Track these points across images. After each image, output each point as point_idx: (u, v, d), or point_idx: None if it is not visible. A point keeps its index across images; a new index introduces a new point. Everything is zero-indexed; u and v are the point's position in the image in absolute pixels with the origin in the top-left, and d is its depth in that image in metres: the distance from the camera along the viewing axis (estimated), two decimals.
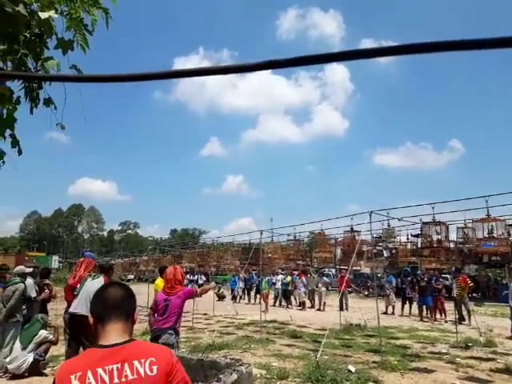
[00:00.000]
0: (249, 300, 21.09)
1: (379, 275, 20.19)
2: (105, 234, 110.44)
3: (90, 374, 1.40)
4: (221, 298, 21.76)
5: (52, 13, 2.04)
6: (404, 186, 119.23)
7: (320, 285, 17.38)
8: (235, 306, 17.45)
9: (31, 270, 7.54)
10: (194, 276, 23.44)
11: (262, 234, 12.74)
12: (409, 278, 15.82)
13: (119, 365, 1.43)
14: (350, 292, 19.30)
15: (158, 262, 25.72)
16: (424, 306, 14.09)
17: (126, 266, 35.49)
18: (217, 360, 3.79)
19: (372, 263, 14.77)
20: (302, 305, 17.56)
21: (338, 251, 18.95)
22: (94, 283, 5.57)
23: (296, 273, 20.92)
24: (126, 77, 0.80)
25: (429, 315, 14.00)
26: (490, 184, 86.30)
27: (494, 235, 11.06)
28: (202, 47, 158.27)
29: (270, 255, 20.10)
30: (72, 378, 1.38)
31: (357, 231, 15.01)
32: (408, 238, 17.71)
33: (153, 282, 11.19)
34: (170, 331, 4.42)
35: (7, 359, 6.29)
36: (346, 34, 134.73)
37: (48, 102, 2.38)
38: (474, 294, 20.75)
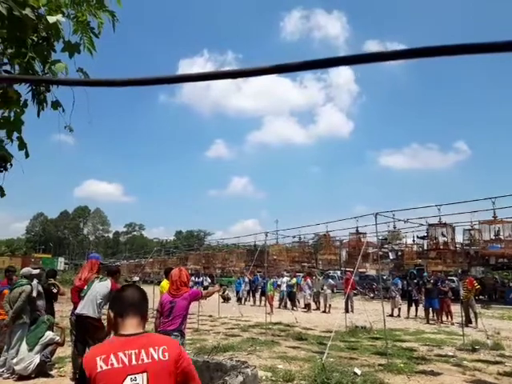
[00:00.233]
0: (254, 302, 21.05)
1: (385, 277, 20.12)
2: (110, 235, 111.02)
3: (112, 356, 1.69)
4: (226, 299, 21.75)
5: (59, 16, 2.06)
6: (410, 187, 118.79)
7: (325, 287, 17.32)
8: (240, 307, 17.45)
9: (38, 271, 7.57)
10: (199, 278, 23.47)
11: (267, 235, 12.75)
12: (415, 281, 15.73)
13: (137, 350, 1.72)
14: (355, 294, 19.21)
15: (164, 263, 25.87)
16: (430, 309, 13.99)
17: (131, 267, 35.62)
18: (222, 362, 3.79)
19: (378, 265, 14.73)
20: (307, 307, 17.51)
21: (344, 253, 18.93)
22: (101, 285, 5.60)
23: (301, 275, 20.88)
24: (135, 81, 0.80)
25: (435, 317, 13.91)
26: (497, 185, 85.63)
27: (501, 237, 10.99)
28: (206, 49, 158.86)
29: (275, 257, 20.11)
30: (97, 359, 1.67)
31: (362, 233, 14.98)
32: (414, 240, 17.68)
33: (158, 283, 11.21)
34: (176, 333, 4.42)
35: (14, 360, 6.32)
36: (350, 35, 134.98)
37: (56, 104, 2.40)
38: (480, 297, 20.59)
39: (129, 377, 1.67)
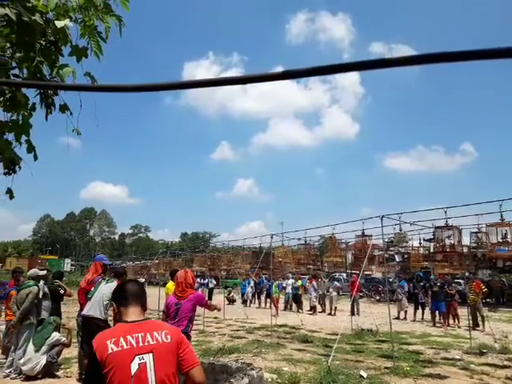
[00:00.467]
0: (259, 304, 21.04)
1: (391, 280, 20.00)
2: (116, 237, 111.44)
3: (121, 339, 1.88)
4: (231, 301, 21.75)
5: (67, 21, 2.08)
6: (416, 189, 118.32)
7: (331, 289, 17.27)
8: (246, 309, 17.45)
9: (45, 273, 7.63)
10: (204, 280, 23.47)
11: (272, 237, 12.73)
12: (421, 283, 15.62)
13: (143, 334, 1.93)
14: (361, 297, 19.13)
15: (169, 265, 25.91)
16: (437, 312, 13.89)
17: (137, 269, 35.65)
18: (228, 364, 3.79)
19: (384, 268, 14.65)
20: (312, 309, 17.46)
21: (349, 255, 18.85)
22: (108, 287, 5.62)
23: (306, 277, 20.83)
24: (147, 87, 0.81)
25: (442, 321, 13.81)
26: (504, 188, 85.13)
27: (508, 240, 10.89)
28: (211, 52, 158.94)
29: (280, 259, 20.07)
30: (108, 342, 1.85)
31: (368, 235, 14.92)
32: (420, 243, 17.54)
33: (164, 285, 11.24)
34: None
35: (21, 361, 6.37)
36: (355, 37, 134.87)
37: (64, 108, 2.43)
38: (487, 300, 20.40)
39: (137, 357, 1.85)
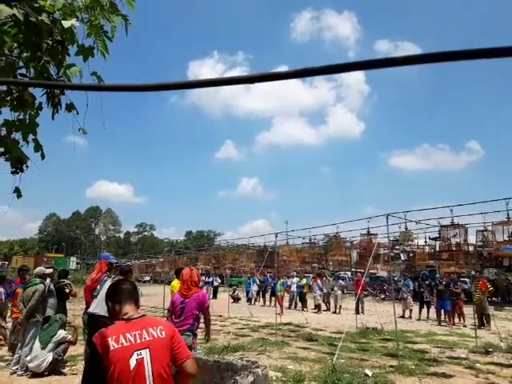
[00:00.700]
0: (264, 302, 21.05)
1: (396, 278, 19.96)
2: (121, 235, 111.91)
3: (121, 336, 2.05)
4: (236, 300, 21.79)
5: (74, 21, 2.10)
6: (421, 188, 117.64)
7: (336, 288, 17.25)
8: (250, 308, 17.47)
9: (51, 271, 7.68)
10: (209, 278, 23.55)
11: (277, 236, 12.73)
12: (427, 282, 15.57)
13: (140, 331, 2.11)
14: (366, 295, 19.09)
15: (174, 263, 25.99)
16: (442, 310, 13.84)
17: (142, 267, 35.85)
18: (233, 362, 3.80)
19: (389, 266, 14.62)
20: (317, 308, 17.45)
21: (354, 254, 18.84)
22: None
23: (311, 276, 20.81)
24: (147, 86, 0.82)
25: (447, 319, 13.76)
26: (511, 186, 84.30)
27: None
28: (216, 51, 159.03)
29: (285, 258, 20.09)
30: (109, 339, 2.02)
31: (373, 234, 14.91)
32: (426, 241, 17.50)
33: (169, 283, 11.27)
34: (188, 333, 4.45)
35: (28, 358, 6.43)
36: (360, 35, 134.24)
37: (70, 107, 2.44)
38: (493, 298, 20.30)
39: (135, 352, 2.04)
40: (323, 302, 17.94)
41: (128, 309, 2.22)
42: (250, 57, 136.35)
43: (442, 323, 13.58)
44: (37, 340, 6.57)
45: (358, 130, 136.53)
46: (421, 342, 9.96)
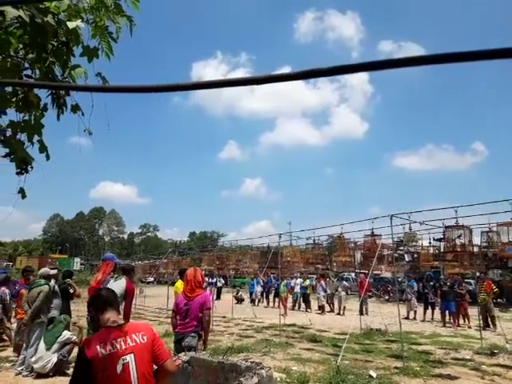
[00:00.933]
0: (267, 303, 21.04)
1: (400, 279, 19.89)
2: (125, 236, 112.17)
3: (108, 343, 2.23)
4: (239, 300, 21.78)
5: (79, 22, 2.10)
6: (425, 188, 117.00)
7: (339, 289, 17.20)
8: (254, 309, 17.45)
9: (55, 272, 7.70)
10: (212, 279, 23.55)
11: (280, 237, 12.71)
12: (431, 283, 15.50)
13: (124, 338, 2.29)
14: (370, 296, 19.01)
15: (178, 264, 26.01)
16: (447, 312, 13.77)
17: (146, 268, 35.92)
18: (237, 363, 3.79)
19: (393, 267, 14.56)
20: (321, 309, 17.42)
21: (358, 255, 18.78)
22: (116, 284, 5.64)
23: (314, 277, 20.77)
24: (152, 88, 0.82)
25: (452, 321, 13.68)
26: None
27: None
28: (219, 51, 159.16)
29: (288, 259, 20.05)
30: (98, 347, 2.19)
31: (377, 235, 14.86)
32: (430, 242, 17.43)
33: (172, 284, 11.29)
34: (193, 334, 4.47)
35: (33, 359, 6.44)
36: (364, 36, 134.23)
37: (75, 108, 2.45)
38: (498, 300, 20.17)
39: (121, 358, 2.22)
40: (327, 303, 17.90)
41: (110, 315, 2.39)
42: (253, 57, 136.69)
43: (447, 324, 13.51)
44: (42, 341, 6.59)
45: (362, 131, 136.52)
46: (425, 344, 9.91)
